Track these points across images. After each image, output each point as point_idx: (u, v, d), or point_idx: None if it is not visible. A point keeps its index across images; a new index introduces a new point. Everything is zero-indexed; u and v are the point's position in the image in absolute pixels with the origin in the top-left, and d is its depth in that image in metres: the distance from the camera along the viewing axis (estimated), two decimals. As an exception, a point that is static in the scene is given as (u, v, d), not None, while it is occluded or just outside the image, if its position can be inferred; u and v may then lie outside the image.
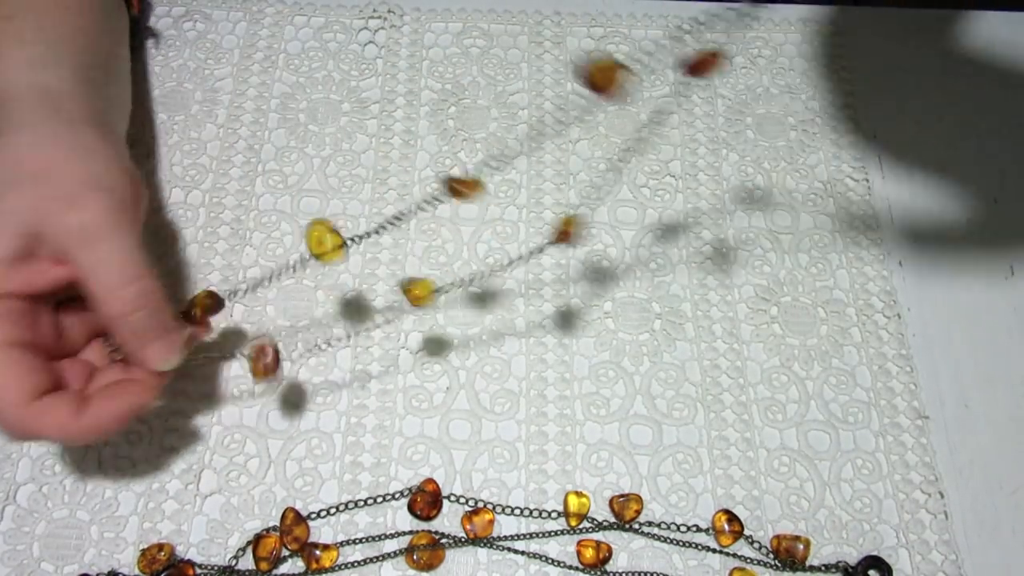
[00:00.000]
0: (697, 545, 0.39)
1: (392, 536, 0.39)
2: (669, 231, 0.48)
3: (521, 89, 0.52)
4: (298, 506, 0.39)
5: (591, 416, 0.42)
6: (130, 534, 0.39)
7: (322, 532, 0.39)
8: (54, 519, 0.39)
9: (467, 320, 0.44)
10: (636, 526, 0.39)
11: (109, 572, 0.38)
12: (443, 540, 0.39)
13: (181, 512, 0.39)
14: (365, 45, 0.53)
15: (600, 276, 0.46)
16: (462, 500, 0.40)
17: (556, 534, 0.39)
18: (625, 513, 0.40)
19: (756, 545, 0.39)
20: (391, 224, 0.36)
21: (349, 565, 0.38)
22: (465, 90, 0.52)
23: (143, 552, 0.38)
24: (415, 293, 0.38)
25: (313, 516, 0.39)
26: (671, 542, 0.39)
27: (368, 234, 0.36)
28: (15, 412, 0.32)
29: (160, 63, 0.51)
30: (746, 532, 0.40)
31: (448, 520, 0.40)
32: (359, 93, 0.51)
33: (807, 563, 0.39)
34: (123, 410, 0.35)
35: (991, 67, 0.54)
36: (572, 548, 0.39)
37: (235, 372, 0.42)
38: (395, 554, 0.38)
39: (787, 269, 0.47)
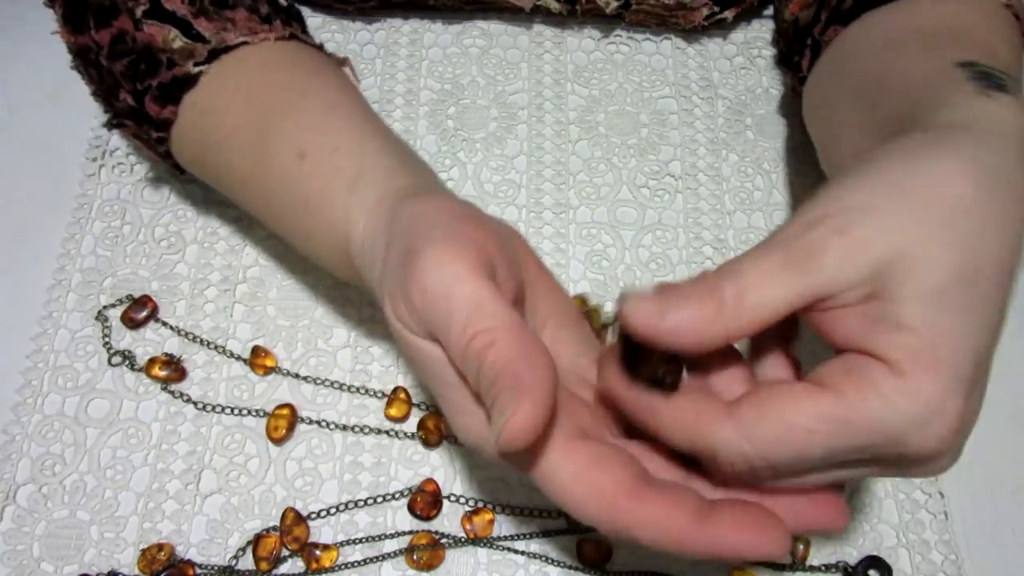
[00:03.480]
0: (697, 545, 0.39)
1: (392, 536, 0.39)
2: (669, 231, 0.48)
3: (521, 89, 0.52)
4: (298, 506, 0.39)
5: (591, 416, 0.42)
6: (130, 534, 0.39)
7: (322, 532, 0.39)
8: (54, 519, 0.39)
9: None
10: (636, 526, 0.39)
11: (109, 572, 0.38)
12: (443, 540, 0.39)
13: (181, 512, 0.39)
14: (364, 45, 0.53)
15: (600, 276, 0.46)
16: (462, 500, 0.40)
17: (556, 534, 0.39)
18: (625, 513, 0.40)
19: (756, 545, 0.39)
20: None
21: (349, 565, 0.38)
22: (464, 90, 0.52)
23: (143, 552, 0.38)
24: None
25: (313, 516, 0.39)
26: (671, 542, 0.39)
27: None
28: (612, 502, 0.25)
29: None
30: (746, 532, 0.40)
31: (448, 520, 0.40)
32: (359, 93, 0.51)
33: (807, 563, 0.39)
34: (747, 549, 0.25)
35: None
36: (572, 547, 0.39)
37: (235, 372, 0.42)
38: (395, 554, 0.38)
39: (787, 269, 0.47)
